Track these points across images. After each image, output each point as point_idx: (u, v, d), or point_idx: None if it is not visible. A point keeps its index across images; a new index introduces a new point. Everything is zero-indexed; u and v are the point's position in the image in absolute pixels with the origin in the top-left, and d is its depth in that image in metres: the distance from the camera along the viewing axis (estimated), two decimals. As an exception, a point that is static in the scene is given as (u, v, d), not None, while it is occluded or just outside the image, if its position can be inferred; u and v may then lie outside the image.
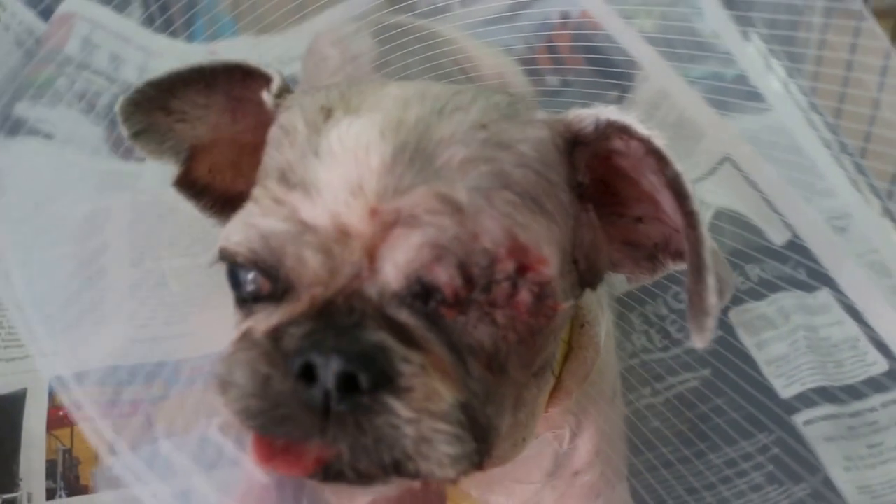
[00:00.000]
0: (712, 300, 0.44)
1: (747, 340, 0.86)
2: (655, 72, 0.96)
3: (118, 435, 0.62)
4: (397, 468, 0.41)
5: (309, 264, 0.43)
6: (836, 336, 0.87)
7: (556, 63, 1.07)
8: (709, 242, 0.44)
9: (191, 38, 0.95)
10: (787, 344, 0.85)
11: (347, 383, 0.40)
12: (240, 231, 0.45)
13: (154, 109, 0.54)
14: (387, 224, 0.42)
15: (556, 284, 0.45)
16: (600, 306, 0.61)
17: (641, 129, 0.45)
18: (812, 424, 0.81)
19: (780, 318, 0.87)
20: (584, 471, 0.64)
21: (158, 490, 0.58)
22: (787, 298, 0.88)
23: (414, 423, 0.41)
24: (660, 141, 0.45)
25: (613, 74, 0.99)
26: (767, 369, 0.83)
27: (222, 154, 0.56)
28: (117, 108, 0.54)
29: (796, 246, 0.89)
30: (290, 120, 0.47)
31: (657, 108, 0.96)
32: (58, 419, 0.81)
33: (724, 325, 0.85)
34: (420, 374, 0.41)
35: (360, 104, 0.46)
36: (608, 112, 0.46)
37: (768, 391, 0.82)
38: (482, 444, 0.44)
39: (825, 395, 0.82)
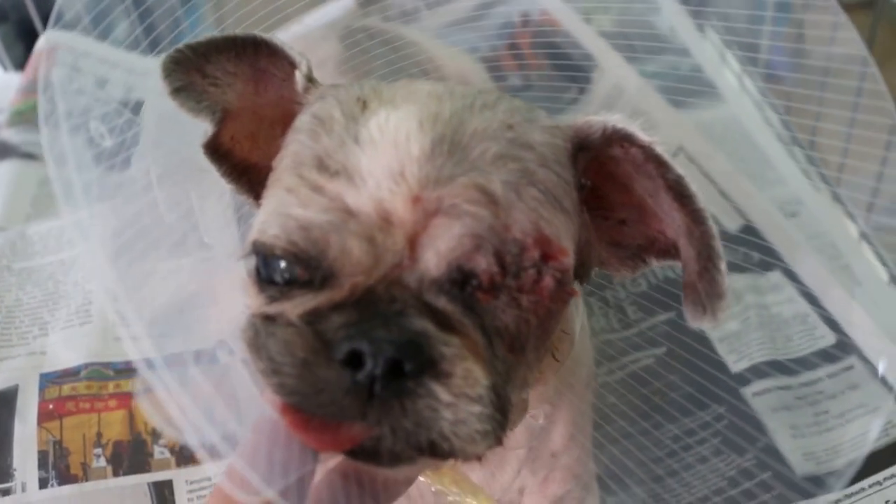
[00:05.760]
0: (726, 283, 0.48)
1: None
2: (611, 67, 1.00)
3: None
4: (431, 448, 0.43)
5: (353, 253, 0.44)
6: (786, 312, 0.90)
7: (519, 61, 1.10)
8: (717, 233, 0.48)
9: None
10: (740, 322, 0.88)
11: (393, 369, 0.42)
12: (276, 223, 0.45)
13: (191, 70, 0.55)
14: (428, 212, 0.44)
15: (572, 273, 0.48)
16: (575, 303, 0.65)
17: (644, 136, 0.49)
18: (761, 396, 0.84)
19: (733, 298, 0.89)
20: (562, 453, 0.67)
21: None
22: (741, 280, 0.90)
23: (452, 406, 0.43)
24: (660, 148, 0.48)
25: (573, 68, 1.01)
26: (720, 346, 0.87)
27: (244, 124, 0.57)
28: (160, 63, 0.55)
29: (749, 230, 0.92)
30: (326, 109, 0.48)
31: (614, 103, 1.00)
32: (48, 413, 0.84)
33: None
34: (459, 358, 0.43)
35: (393, 97, 0.48)
36: (615, 119, 0.49)
37: (720, 366, 0.85)
38: (505, 420, 0.46)
39: (774, 368, 0.86)
